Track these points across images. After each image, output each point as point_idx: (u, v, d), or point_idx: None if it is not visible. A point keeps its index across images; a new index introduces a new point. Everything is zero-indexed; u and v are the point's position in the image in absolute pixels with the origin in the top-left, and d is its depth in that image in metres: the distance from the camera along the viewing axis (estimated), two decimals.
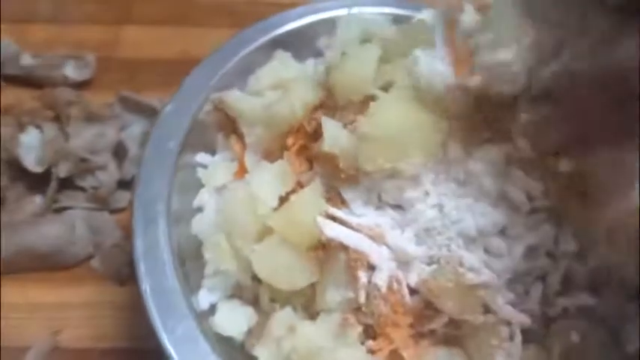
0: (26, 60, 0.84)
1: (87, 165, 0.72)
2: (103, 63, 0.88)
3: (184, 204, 0.63)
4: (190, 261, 0.59)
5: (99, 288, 0.68)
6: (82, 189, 0.73)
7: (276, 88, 0.64)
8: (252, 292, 0.58)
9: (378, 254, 0.53)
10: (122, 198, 0.73)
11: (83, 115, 0.75)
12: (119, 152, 0.74)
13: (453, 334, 0.54)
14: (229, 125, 0.65)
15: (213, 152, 0.67)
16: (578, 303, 0.56)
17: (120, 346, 0.65)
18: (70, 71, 0.84)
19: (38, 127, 0.74)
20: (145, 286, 0.53)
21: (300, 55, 0.70)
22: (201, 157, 0.66)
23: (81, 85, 0.86)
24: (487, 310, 0.52)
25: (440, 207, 0.55)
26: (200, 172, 0.64)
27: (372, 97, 0.56)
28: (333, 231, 0.53)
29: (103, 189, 0.71)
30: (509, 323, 0.53)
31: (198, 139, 0.66)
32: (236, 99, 0.64)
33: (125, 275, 0.67)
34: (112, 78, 0.87)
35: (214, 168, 0.65)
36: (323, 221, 0.53)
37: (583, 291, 0.57)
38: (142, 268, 0.54)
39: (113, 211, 0.73)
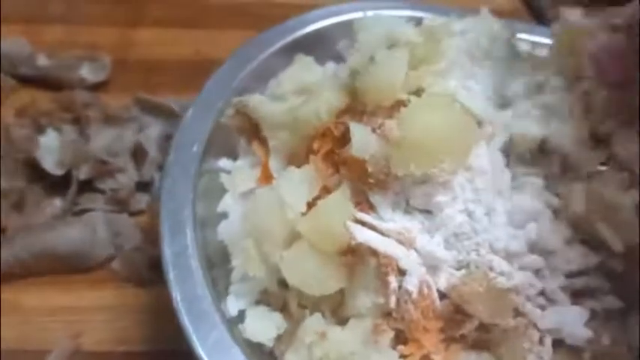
0: (42, 61, 0.84)
1: (106, 167, 0.72)
2: (118, 64, 0.88)
3: (208, 210, 0.63)
4: (217, 267, 0.59)
5: (119, 291, 0.68)
6: (102, 191, 0.72)
7: (300, 93, 0.64)
8: (279, 298, 0.58)
9: (407, 259, 0.53)
10: (141, 200, 0.73)
11: (101, 118, 0.75)
12: (137, 154, 0.74)
13: (483, 339, 0.54)
14: (252, 130, 0.65)
15: (235, 157, 0.67)
16: (605, 305, 0.56)
17: (140, 350, 0.65)
18: (86, 72, 0.84)
19: (57, 129, 0.74)
20: (176, 294, 0.53)
21: (319, 58, 0.70)
22: (224, 162, 0.66)
23: (97, 87, 0.85)
24: (517, 313, 0.52)
25: (469, 212, 0.55)
26: (223, 177, 0.64)
27: (402, 102, 0.56)
28: (363, 235, 0.53)
29: (123, 191, 0.71)
30: (539, 328, 0.53)
31: (220, 144, 0.66)
32: (259, 103, 0.64)
33: (146, 278, 0.67)
34: (126, 79, 0.87)
35: (237, 173, 0.64)
36: (353, 226, 0.53)
37: (610, 294, 0.57)
38: (171, 276, 0.54)
39: (132, 214, 0.73)
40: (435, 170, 0.53)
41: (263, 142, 0.64)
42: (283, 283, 0.56)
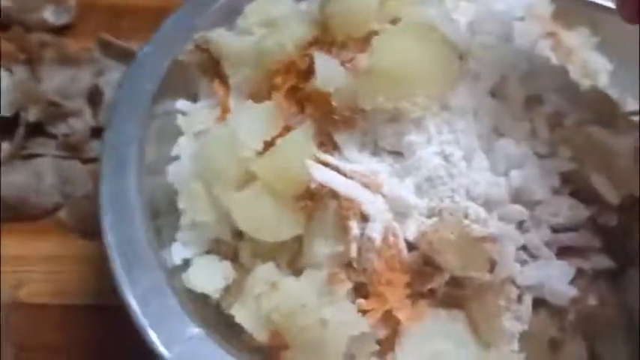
0: (4, 2, 0.78)
1: (58, 110, 0.66)
2: (84, 8, 0.82)
3: (162, 154, 0.57)
4: (166, 215, 0.53)
5: (65, 241, 0.63)
6: (54, 136, 0.67)
7: (266, 26, 0.58)
8: (232, 247, 0.52)
9: (372, 204, 0.47)
10: (96, 147, 0.67)
11: (58, 59, 0.69)
12: (95, 98, 0.68)
13: (456, 295, 0.48)
14: (213, 67, 0.59)
15: (195, 100, 0.61)
16: (595, 265, 0.50)
17: (82, 303, 0.60)
18: (50, 15, 0.78)
19: (9, 70, 0.68)
20: (110, 236, 0.47)
21: None
22: (182, 103, 0.60)
23: (61, 31, 0.80)
24: (493, 267, 0.46)
25: (445, 155, 0.50)
26: (180, 118, 0.58)
27: (376, 34, 0.50)
28: (322, 176, 0.47)
29: (75, 136, 0.65)
30: (518, 284, 0.47)
31: (179, 84, 0.60)
32: (221, 37, 0.58)
33: (93, 229, 0.61)
34: (93, 24, 0.81)
35: (195, 114, 0.58)
36: (312, 164, 0.47)
37: (601, 252, 0.51)
38: (106, 217, 0.48)
39: (86, 161, 0.67)
40: (407, 104, 0.47)
41: (225, 80, 0.58)
42: (237, 232, 0.50)
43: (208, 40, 0.58)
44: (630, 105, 0.61)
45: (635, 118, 0.56)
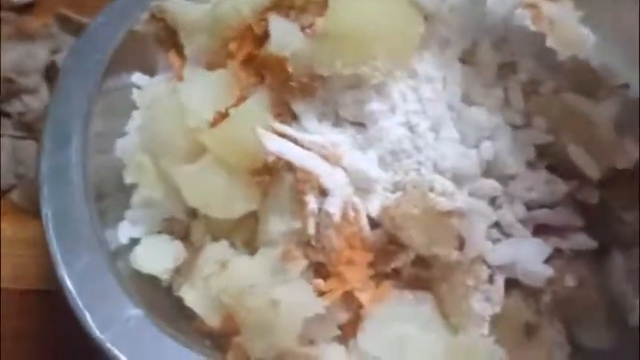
0: None
1: (13, 86, 0.62)
2: None
3: (116, 130, 0.53)
4: (116, 192, 0.49)
5: (18, 224, 0.60)
6: (8, 115, 0.63)
7: None
8: (185, 226, 0.48)
9: (331, 177, 0.44)
10: None
11: (15, 35, 0.65)
12: (51, 75, 0.64)
13: (423, 276, 0.45)
14: (170, 38, 0.55)
15: (153, 73, 0.57)
16: (575, 244, 0.47)
17: (41, 288, 0.57)
18: None
19: None
20: (47, 211, 0.44)
21: None
22: (138, 77, 0.56)
23: (24, 8, 0.76)
24: (462, 245, 0.43)
25: (410, 126, 0.46)
26: (135, 92, 0.55)
27: None
28: (276, 146, 0.43)
29: (30, 114, 0.62)
30: (489, 263, 0.44)
31: (135, 56, 0.57)
32: (177, 6, 0.54)
33: None
34: (57, 2, 0.77)
35: (151, 88, 0.55)
36: (264, 134, 0.43)
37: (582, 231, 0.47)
38: (45, 191, 0.45)
39: None
40: (366, 69, 0.44)
41: (181, 51, 0.54)
42: (193, 210, 0.47)
43: (164, 9, 0.55)
44: (615, 78, 0.58)
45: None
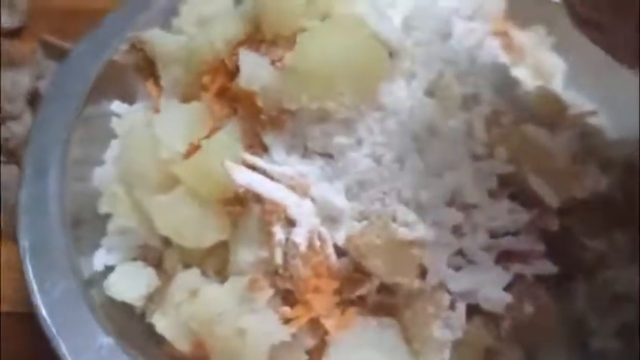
0: None
1: None
2: (36, 12, 0.81)
3: (95, 158, 0.55)
4: (93, 220, 0.51)
5: (3, 248, 0.60)
6: None
7: (200, 25, 0.56)
8: (159, 254, 0.50)
9: (298, 208, 0.45)
10: None
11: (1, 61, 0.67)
12: (35, 102, 0.66)
13: (387, 303, 0.46)
14: (148, 68, 0.57)
15: (132, 102, 0.59)
16: (538, 270, 0.48)
17: (21, 311, 0.57)
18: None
19: None
20: (24, 243, 0.45)
21: None
22: (117, 105, 0.58)
23: (14, 33, 0.78)
24: (425, 273, 0.45)
25: (376, 157, 0.48)
26: (114, 121, 0.56)
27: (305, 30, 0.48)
28: (244, 178, 0.45)
29: (14, 140, 0.63)
30: (450, 290, 0.45)
31: (115, 85, 0.58)
32: (155, 37, 0.56)
33: None
34: (43, 27, 0.79)
35: (130, 117, 0.56)
36: (232, 166, 0.45)
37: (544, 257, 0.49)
38: (23, 222, 0.46)
39: None
40: (333, 104, 0.45)
41: (159, 81, 0.56)
42: (167, 238, 0.48)
43: (143, 39, 0.56)
44: (580, 106, 0.59)
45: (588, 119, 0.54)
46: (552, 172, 0.48)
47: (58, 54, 0.71)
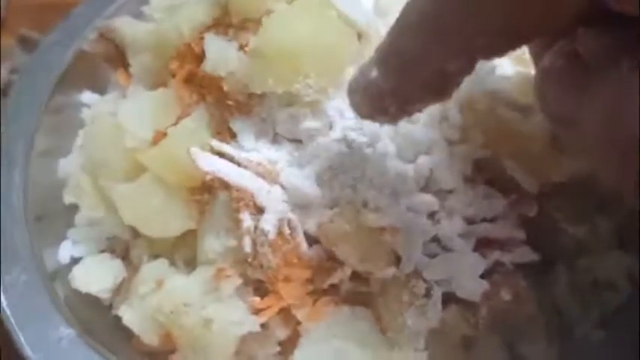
0: None
1: None
2: (16, 6, 0.80)
3: (63, 148, 0.54)
4: (60, 211, 0.50)
5: None
6: None
7: (169, 12, 0.54)
8: (127, 245, 0.49)
9: (266, 194, 0.44)
10: None
11: None
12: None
13: (360, 292, 0.45)
14: (118, 57, 0.56)
15: (103, 92, 0.58)
16: (517, 258, 0.47)
17: None
18: None
19: None
20: None
21: None
22: (87, 95, 0.57)
23: None
24: (398, 261, 0.43)
25: (348, 142, 0.46)
26: (84, 111, 0.55)
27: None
28: (210, 165, 0.44)
29: None
30: (425, 278, 0.44)
31: (86, 75, 0.57)
32: (124, 25, 0.55)
33: None
34: (22, 21, 0.78)
35: (100, 107, 0.55)
36: (198, 152, 0.44)
37: (522, 245, 0.48)
38: None
39: None
40: (299, 87, 0.44)
41: (129, 70, 0.55)
42: (135, 229, 0.47)
43: (112, 28, 0.55)
44: None
45: None
46: (529, 157, 0.47)
47: (34, 47, 0.70)
